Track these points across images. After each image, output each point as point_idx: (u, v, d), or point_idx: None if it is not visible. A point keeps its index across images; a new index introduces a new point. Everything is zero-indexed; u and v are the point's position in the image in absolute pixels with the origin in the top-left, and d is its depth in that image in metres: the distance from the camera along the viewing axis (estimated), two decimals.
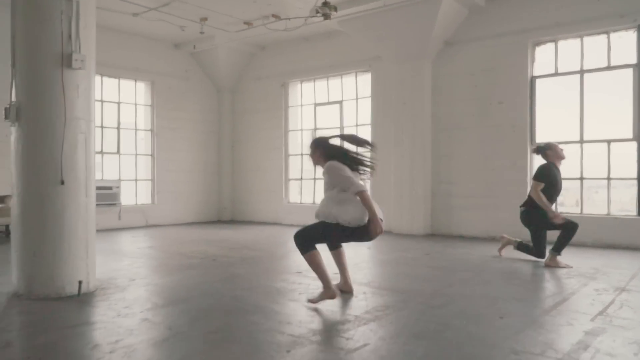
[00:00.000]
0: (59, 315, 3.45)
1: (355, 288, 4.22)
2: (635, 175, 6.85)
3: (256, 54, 11.09)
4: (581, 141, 7.25)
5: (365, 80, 9.60)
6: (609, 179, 7.06)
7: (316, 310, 3.59)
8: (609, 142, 7.05)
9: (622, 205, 7.10)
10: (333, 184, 3.83)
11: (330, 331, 3.15)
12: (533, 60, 7.71)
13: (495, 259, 5.96)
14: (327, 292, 3.78)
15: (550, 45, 7.56)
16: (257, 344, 2.81)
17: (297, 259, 5.98)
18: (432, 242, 7.53)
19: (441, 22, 7.93)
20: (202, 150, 11.35)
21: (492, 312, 3.52)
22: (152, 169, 10.53)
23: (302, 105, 10.63)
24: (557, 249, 5.50)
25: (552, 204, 5.70)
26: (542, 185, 5.59)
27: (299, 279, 4.72)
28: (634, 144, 6.86)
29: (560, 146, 5.86)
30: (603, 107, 7.19)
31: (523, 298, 4.01)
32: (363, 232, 3.71)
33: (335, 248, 4.20)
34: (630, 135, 6.88)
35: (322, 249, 3.90)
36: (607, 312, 3.51)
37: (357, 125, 9.68)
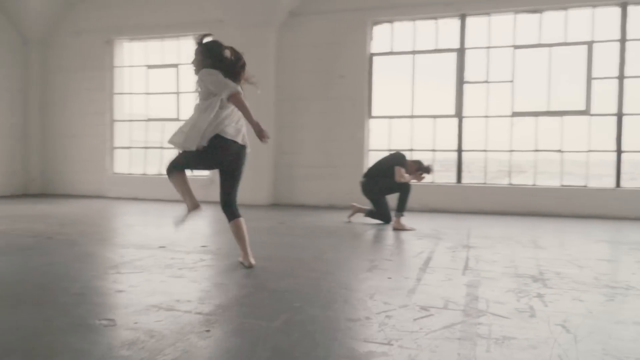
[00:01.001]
0: None
1: (237, 260, 4.04)
2: (455, 147, 7.83)
3: (76, 3, 9.68)
4: (412, 116, 7.99)
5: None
6: (434, 150, 7.94)
7: (216, 286, 3.34)
8: (434, 117, 7.91)
9: (447, 174, 8.06)
10: (207, 92, 3.60)
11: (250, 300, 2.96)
12: (371, 38, 8.19)
13: (348, 225, 6.29)
14: (190, 204, 3.76)
15: (387, 26, 8.12)
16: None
17: (149, 233, 5.51)
18: (278, 211, 7.60)
19: None
20: (4, 112, 9.60)
21: (379, 275, 3.70)
22: None
23: (131, 67, 9.66)
24: (401, 209, 6.05)
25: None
26: (404, 169, 6.12)
27: (168, 253, 4.33)
28: (455, 120, 7.81)
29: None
30: (430, 86, 8.02)
31: (396, 259, 4.31)
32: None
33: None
34: (452, 112, 7.82)
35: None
36: (469, 266, 3.97)
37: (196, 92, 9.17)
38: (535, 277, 3.63)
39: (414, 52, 7.96)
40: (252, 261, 3.84)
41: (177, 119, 9.29)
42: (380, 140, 8.18)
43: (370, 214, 6.42)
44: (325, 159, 8.32)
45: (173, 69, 9.25)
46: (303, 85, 8.41)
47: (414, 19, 7.95)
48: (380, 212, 6.31)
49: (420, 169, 6.21)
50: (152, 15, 9.16)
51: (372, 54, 8.16)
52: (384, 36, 8.14)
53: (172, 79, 9.24)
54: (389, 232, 5.79)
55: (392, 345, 2.27)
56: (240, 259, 3.91)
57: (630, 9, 7.09)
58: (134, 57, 9.61)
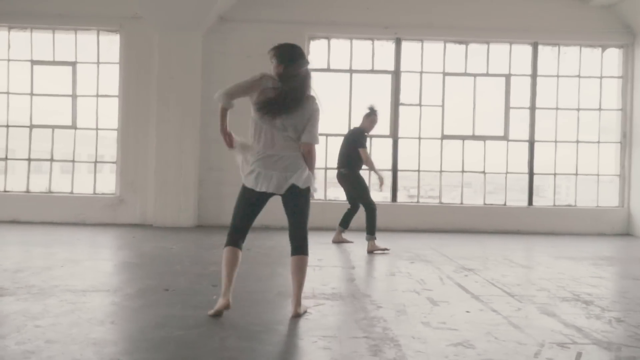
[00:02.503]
0: None
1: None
2: (390, 167, 7.99)
3: None
4: None
5: (112, 42, 7.91)
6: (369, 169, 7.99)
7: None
8: (371, 137, 7.97)
9: (383, 193, 8.16)
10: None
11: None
12: (308, 54, 7.97)
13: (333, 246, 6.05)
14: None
15: (324, 42, 7.98)
16: None
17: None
18: (217, 234, 6.90)
19: None
20: None
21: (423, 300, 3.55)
22: None
23: (9, 60, 7.92)
24: (372, 231, 5.96)
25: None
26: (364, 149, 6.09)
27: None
28: (390, 140, 7.99)
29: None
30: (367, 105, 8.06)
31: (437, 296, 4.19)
32: None
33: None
34: (387, 132, 7.98)
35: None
36: (515, 293, 4.05)
37: (97, 96, 7.91)
38: (578, 299, 3.83)
39: (350, 71, 7.95)
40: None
41: (72, 127, 7.88)
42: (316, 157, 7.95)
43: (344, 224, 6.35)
44: None
45: (68, 67, 7.83)
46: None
47: (351, 38, 7.96)
48: (367, 202, 6.08)
49: (369, 115, 6.24)
50: (42, 1, 7.65)
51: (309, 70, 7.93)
52: (320, 52, 7.98)
53: (67, 79, 7.82)
54: (373, 258, 5.64)
55: None
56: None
57: (540, 48, 8.06)
58: (14, 49, 7.90)
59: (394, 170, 7.98)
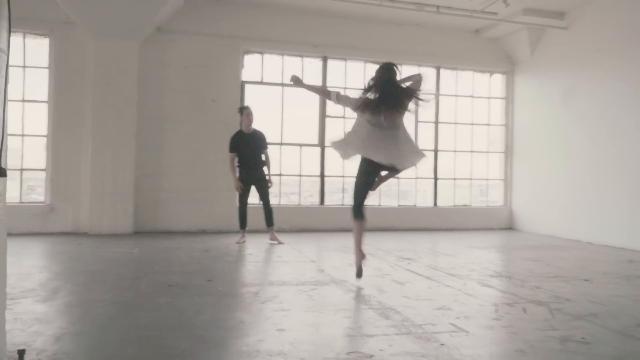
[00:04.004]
0: None
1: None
2: (318, 173, 8.77)
3: None
4: (281, 143, 8.58)
5: (39, 46, 7.73)
6: (300, 175, 8.70)
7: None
8: (300, 145, 8.69)
9: (311, 197, 8.89)
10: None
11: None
12: (243, 66, 8.48)
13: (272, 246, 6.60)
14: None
15: (258, 56, 8.55)
16: None
17: None
18: (157, 240, 7.14)
19: (160, 6, 7.53)
20: None
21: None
22: None
23: None
24: (271, 223, 6.97)
25: (248, 167, 6.90)
26: (233, 155, 6.85)
27: None
28: (318, 149, 8.77)
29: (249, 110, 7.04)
30: (297, 117, 8.77)
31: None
32: None
33: None
34: (316, 141, 8.75)
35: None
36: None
37: (24, 101, 7.68)
38: (503, 276, 4.91)
39: (282, 85, 8.60)
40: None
41: None
42: None
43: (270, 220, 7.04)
44: (197, 182, 8.14)
45: None
46: (170, 105, 8.06)
47: (282, 54, 8.61)
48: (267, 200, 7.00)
49: (241, 113, 7.03)
50: None
51: (244, 82, 8.45)
52: (255, 65, 8.53)
53: None
54: (329, 254, 6.36)
55: None
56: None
57: (442, 71, 9.40)
58: None
59: (322, 175, 8.78)
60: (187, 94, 8.13)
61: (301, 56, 8.72)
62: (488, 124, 9.75)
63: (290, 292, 4.06)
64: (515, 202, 9.59)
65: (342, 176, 8.91)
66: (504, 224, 9.59)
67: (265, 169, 7.03)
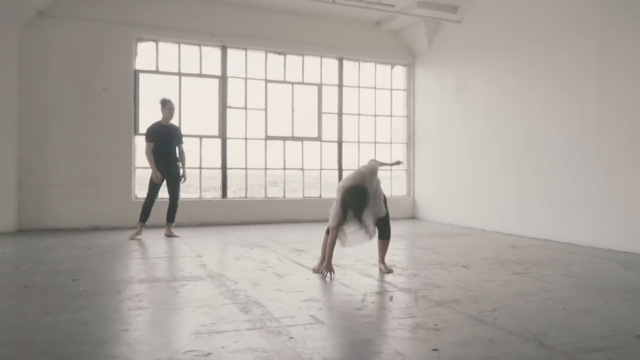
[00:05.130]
0: None
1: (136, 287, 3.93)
2: (220, 165, 8.56)
3: None
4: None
5: None
6: (200, 168, 8.45)
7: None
8: (200, 137, 8.43)
9: (214, 191, 8.66)
10: None
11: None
12: (136, 55, 8.08)
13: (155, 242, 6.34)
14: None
15: (152, 44, 8.18)
16: None
17: None
18: (39, 238, 6.68)
19: None
20: None
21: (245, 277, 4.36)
22: None
23: None
24: (172, 219, 6.87)
25: (164, 160, 6.67)
26: (152, 145, 6.60)
27: None
28: (219, 140, 8.56)
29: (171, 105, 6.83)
30: (197, 107, 8.49)
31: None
32: None
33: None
34: (216, 132, 8.53)
35: None
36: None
37: None
38: (388, 265, 5.00)
39: (179, 74, 8.29)
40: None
41: None
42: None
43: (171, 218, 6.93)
44: (87, 176, 7.68)
45: None
46: (56, 95, 7.54)
47: (179, 42, 8.29)
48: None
49: (164, 105, 6.76)
50: None
51: (137, 70, 8.05)
52: (149, 54, 8.15)
53: None
54: (213, 246, 6.20)
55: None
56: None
57: (345, 62, 9.45)
58: None
59: (224, 168, 8.59)
60: (75, 83, 7.64)
61: (199, 45, 8.44)
62: (390, 115, 9.94)
63: (159, 289, 3.89)
64: (417, 192, 9.86)
65: (245, 168, 8.77)
66: (407, 213, 9.85)
67: (179, 164, 6.80)
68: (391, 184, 9.96)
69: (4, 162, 7.11)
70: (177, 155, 6.83)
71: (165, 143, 6.66)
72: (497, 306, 3.46)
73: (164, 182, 6.73)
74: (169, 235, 6.82)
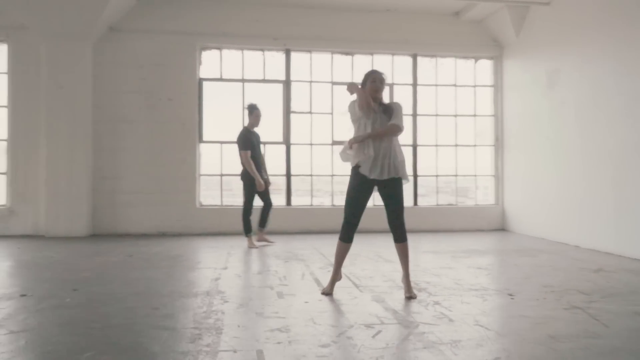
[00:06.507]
0: None
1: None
2: (284, 172, 8.33)
3: None
4: None
5: (1, 52, 7.78)
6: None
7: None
8: (264, 143, 8.23)
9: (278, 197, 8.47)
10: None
11: None
12: (200, 63, 8.18)
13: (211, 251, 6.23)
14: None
15: (216, 52, 8.23)
16: None
17: None
18: (110, 242, 6.96)
19: (111, 5, 7.34)
20: None
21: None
22: None
23: None
24: (264, 224, 6.67)
25: (258, 166, 6.53)
26: (249, 152, 6.40)
27: None
28: (283, 147, 8.33)
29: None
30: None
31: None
32: None
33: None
34: (280, 138, 8.32)
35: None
36: (359, 284, 4.46)
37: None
38: (417, 287, 4.31)
39: (243, 80, 8.23)
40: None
41: None
42: (211, 165, 8.19)
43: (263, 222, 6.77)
44: (154, 184, 7.92)
45: None
46: (126, 106, 7.89)
47: (242, 49, 8.24)
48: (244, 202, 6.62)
49: (251, 111, 6.62)
50: None
51: (202, 79, 8.15)
52: (213, 62, 8.21)
53: None
54: (253, 257, 5.94)
55: None
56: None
57: (419, 59, 8.70)
58: None
59: (288, 175, 8.34)
60: (143, 93, 7.93)
61: (262, 50, 8.31)
62: (474, 115, 8.93)
63: (132, 303, 3.68)
64: (507, 200, 8.73)
65: (311, 175, 8.44)
66: (495, 224, 8.76)
67: None
68: (476, 191, 8.94)
69: (79, 170, 7.57)
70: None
71: (255, 150, 6.56)
72: (503, 355, 2.69)
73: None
74: (262, 240, 6.73)
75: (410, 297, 3.94)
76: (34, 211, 7.69)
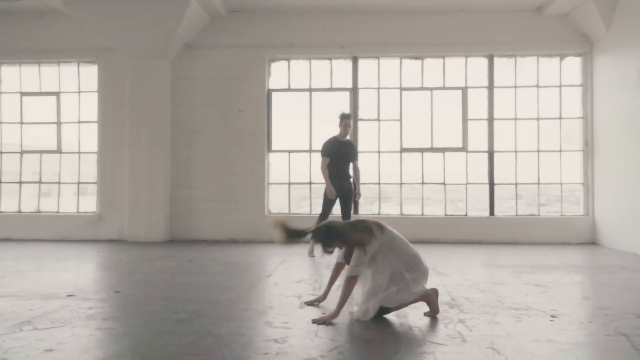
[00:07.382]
0: None
1: (160, 304, 3.88)
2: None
3: None
4: (310, 150, 8.28)
5: (90, 72, 8.61)
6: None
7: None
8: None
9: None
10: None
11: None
12: (269, 74, 8.40)
13: (264, 259, 6.34)
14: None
15: (284, 63, 8.39)
16: None
17: (45, 280, 5.01)
18: (180, 248, 7.35)
19: (185, 24, 7.81)
20: None
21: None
22: None
23: (0, 93, 8.76)
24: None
25: (338, 175, 6.53)
26: (327, 160, 6.42)
27: (81, 302, 4.01)
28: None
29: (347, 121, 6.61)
30: (327, 122, 8.37)
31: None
32: None
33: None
34: None
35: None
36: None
37: (79, 122, 8.61)
38: (450, 304, 4.00)
39: (310, 90, 8.31)
40: None
41: (58, 151, 8.60)
42: (280, 174, 8.35)
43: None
44: (226, 192, 8.25)
45: (52, 97, 8.59)
46: (200, 118, 8.32)
47: (309, 58, 8.33)
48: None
49: (341, 120, 6.54)
50: (28, 38, 8.45)
51: (270, 90, 8.36)
52: (281, 73, 8.39)
53: (51, 108, 8.57)
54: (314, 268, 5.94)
55: None
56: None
57: (496, 59, 8.17)
58: (5, 83, 8.74)
59: (379, 183, 8.24)
60: (215, 106, 8.30)
61: (329, 59, 8.31)
62: (560, 118, 8.16)
63: (137, 310, 3.82)
64: (598, 211, 7.85)
65: (378, 183, 8.25)
66: (585, 237, 7.92)
67: (351, 180, 6.73)
68: (562, 201, 8.15)
69: (157, 179, 8.11)
70: (350, 171, 6.71)
71: (339, 159, 6.56)
72: None
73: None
74: (312, 252, 6.62)
75: (431, 315, 3.65)
76: (119, 218, 8.36)
